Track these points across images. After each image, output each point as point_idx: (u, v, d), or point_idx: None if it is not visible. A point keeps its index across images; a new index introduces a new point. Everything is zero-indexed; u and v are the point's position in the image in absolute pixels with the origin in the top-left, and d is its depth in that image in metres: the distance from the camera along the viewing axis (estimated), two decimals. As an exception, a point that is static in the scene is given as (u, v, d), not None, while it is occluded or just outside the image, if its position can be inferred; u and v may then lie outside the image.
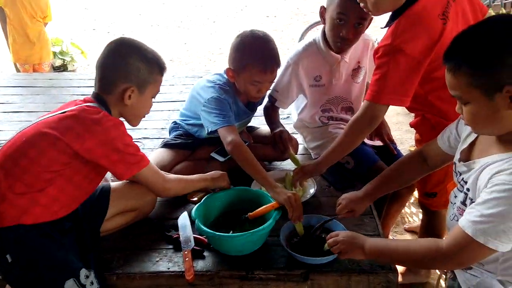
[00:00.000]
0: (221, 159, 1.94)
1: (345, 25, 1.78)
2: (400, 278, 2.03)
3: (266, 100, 2.10)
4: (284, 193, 1.55)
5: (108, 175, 1.90)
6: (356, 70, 2.04)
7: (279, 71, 1.95)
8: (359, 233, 1.35)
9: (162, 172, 1.62)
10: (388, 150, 2.07)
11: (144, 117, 1.64)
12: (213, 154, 1.97)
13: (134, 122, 1.63)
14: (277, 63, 1.82)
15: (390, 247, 1.26)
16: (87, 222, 1.53)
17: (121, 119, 1.56)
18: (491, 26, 1.03)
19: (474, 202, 1.11)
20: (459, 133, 1.32)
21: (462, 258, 1.08)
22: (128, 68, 1.49)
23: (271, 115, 2.10)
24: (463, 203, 1.18)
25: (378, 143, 2.10)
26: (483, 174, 1.09)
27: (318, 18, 1.95)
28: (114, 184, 1.68)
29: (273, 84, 1.97)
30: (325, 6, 1.85)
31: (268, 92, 2.01)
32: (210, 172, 1.75)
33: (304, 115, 2.12)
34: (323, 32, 1.93)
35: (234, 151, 1.69)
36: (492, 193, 1.01)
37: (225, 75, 1.90)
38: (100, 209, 1.56)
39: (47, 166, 1.37)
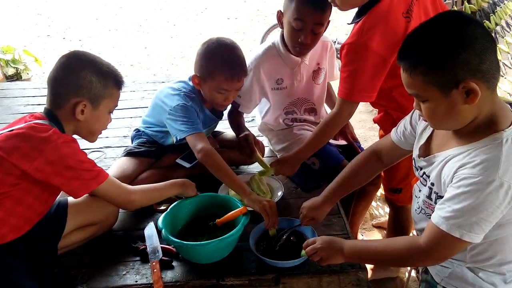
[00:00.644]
0: (187, 165, 1.91)
1: (302, 31, 1.78)
2: (370, 275, 2.07)
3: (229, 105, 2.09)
4: (259, 200, 1.54)
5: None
6: (316, 72, 2.06)
7: None
8: (334, 237, 1.36)
9: (124, 184, 1.57)
10: (352, 148, 2.10)
11: (101, 133, 1.59)
12: (179, 160, 1.93)
13: (90, 139, 1.58)
14: (244, 71, 1.81)
15: (370, 248, 1.28)
16: (43, 239, 1.45)
17: (76, 136, 1.51)
18: (441, 24, 1.06)
19: (439, 195, 1.14)
20: (414, 128, 1.35)
21: (440, 253, 1.11)
22: (80, 82, 1.44)
23: (235, 120, 2.08)
24: (429, 197, 1.21)
25: (342, 142, 2.13)
26: (446, 168, 1.12)
27: (277, 22, 1.95)
28: (72, 198, 1.61)
29: None
30: (282, 11, 1.84)
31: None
32: (179, 179, 1.71)
33: (268, 118, 2.12)
34: (282, 35, 1.93)
35: (205, 159, 1.66)
36: (460, 187, 1.04)
37: (190, 82, 1.87)
38: (57, 225, 1.49)
39: None
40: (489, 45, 1.01)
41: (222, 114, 2.06)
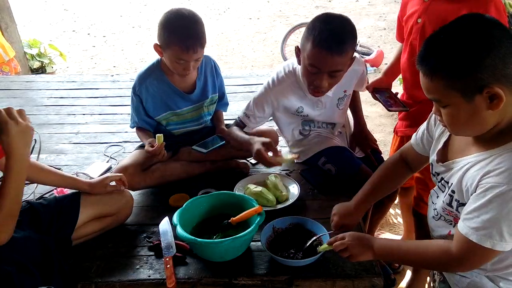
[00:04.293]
0: (203, 151, 1.92)
1: (318, 75, 1.66)
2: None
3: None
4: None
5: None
6: (341, 98, 1.95)
7: (256, 95, 1.90)
8: (363, 233, 1.34)
9: None
10: (370, 160, 2.01)
11: None
12: (195, 147, 1.95)
13: None
14: (200, 43, 1.77)
15: (401, 248, 1.26)
16: (54, 231, 1.46)
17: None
18: (464, 27, 1.02)
19: (461, 203, 1.12)
20: (431, 133, 1.32)
21: (473, 263, 1.10)
22: None
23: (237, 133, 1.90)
24: (449, 204, 1.18)
25: (360, 154, 2.06)
26: (468, 176, 1.09)
27: (300, 21, 1.92)
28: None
29: (246, 107, 1.91)
30: (300, 47, 1.71)
31: (239, 116, 1.94)
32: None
33: (282, 130, 2.04)
34: None
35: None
36: (486, 196, 1.01)
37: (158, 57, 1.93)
38: (70, 217, 1.51)
39: None
40: None
41: (206, 95, 2.01)
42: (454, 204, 1.15)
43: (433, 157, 1.28)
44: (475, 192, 1.05)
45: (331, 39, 1.58)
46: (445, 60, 1.00)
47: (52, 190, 1.88)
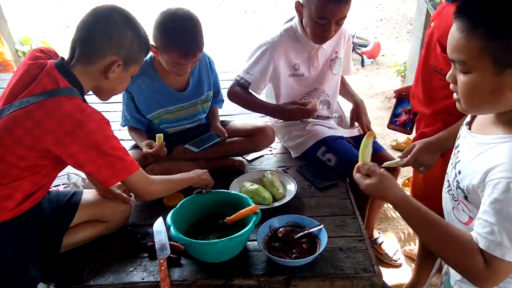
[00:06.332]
0: (195, 150, 1.90)
1: (326, 25, 1.76)
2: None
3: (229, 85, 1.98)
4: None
5: (79, 181, 1.80)
6: (334, 60, 2.02)
7: (254, 52, 1.92)
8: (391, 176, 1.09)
9: (146, 174, 1.48)
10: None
11: (117, 94, 1.49)
12: (187, 146, 1.93)
13: (105, 97, 1.46)
14: (199, 48, 1.74)
15: (428, 212, 0.99)
16: (52, 227, 1.42)
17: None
18: None
19: (460, 186, 1.00)
20: None
21: (495, 278, 0.93)
22: (123, 40, 1.33)
23: (250, 99, 1.94)
24: (454, 180, 1.05)
25: (355, 132, 2.07)
26: (481, 158, 0.94)
27: (295, 13, 1.88)
28: (86, 191, 1.61)
29: (245, 67, 1.93)
30: (301, 2, 1.81)
31: (238, 75, 1.94)
32: (193, 171, 1.66)
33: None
34: (301, 20, 1.88)
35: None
36: (493, 194, 0.88)
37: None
38: (67, 214, 1.47)
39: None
40: None
41: (201, 92, 1.97)
42: (454, 184, 1.04)
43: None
44: (481, 185, 0.91)
45: None
46: (491, 16, 0.84)
47: (58, 185, 1.82)
